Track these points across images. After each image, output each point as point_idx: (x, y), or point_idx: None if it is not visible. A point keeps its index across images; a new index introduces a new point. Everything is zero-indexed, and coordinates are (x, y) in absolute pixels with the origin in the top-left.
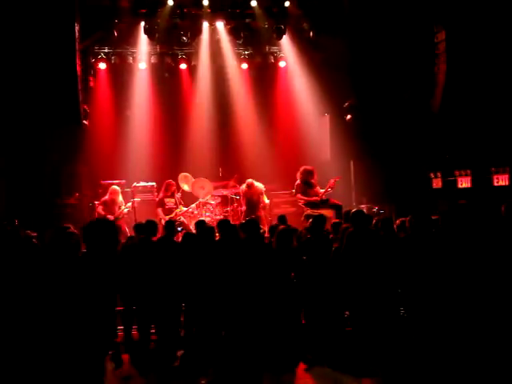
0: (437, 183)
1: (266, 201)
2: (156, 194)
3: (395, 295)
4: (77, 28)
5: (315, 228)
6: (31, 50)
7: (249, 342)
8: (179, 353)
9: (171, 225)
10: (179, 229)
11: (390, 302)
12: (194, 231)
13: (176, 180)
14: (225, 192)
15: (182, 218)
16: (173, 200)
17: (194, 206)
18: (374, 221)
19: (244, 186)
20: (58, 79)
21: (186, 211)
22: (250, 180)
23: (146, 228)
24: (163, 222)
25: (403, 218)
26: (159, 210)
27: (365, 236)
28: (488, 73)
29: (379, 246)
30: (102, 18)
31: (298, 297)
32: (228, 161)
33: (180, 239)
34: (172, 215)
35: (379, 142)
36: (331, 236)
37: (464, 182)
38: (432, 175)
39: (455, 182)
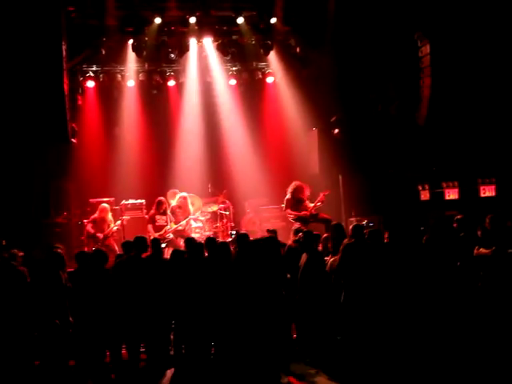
0: (425, 195)
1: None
2: (145, 211)
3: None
4: (64, 47)
5: (306, 243)
6: (19, 69)
7: (238, 360)
8: (169, 371)
9: (157, 242)
10: (163, 245)
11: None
12: (182, 248)
13: (165, 196)
14: (214, 208)
15: (171, 236)
16: (164, 217)
17: (184, 222)
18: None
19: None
20: (46, 98)
21: (176, 228)
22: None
23: (134, 245)
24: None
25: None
26: (149, 227)
27: (360, 248)
28: (472, 86)
29: (372, 257)
30: (89, 37)
31: (287, 311)
32: (217, 176)
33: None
34: (161, 232)
35: (367, 156)
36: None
37: (451, 194)
38: (420, 187)
39: (443, 194)
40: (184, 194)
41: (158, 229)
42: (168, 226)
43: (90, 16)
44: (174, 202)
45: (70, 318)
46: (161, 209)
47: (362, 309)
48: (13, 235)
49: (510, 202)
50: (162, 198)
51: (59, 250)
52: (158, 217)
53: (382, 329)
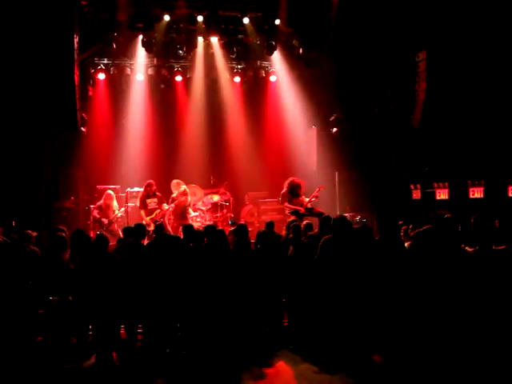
0: (416, 194)
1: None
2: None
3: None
4: (76, 39)
5: (294, 235)
6: (32, 59)
7: (232, 339)
8: (165, 350)
9: (159, 229)
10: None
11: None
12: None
13: (169, 186)
14: (215, 199)
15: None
16: (155, 200)
17: (172, 205)
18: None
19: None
20: (57, 87)
21: (165, 211)
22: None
23: (134, 231)
24: (145, 222)
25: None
26: (142, 213)
27: (343, 242)
28: (466, 91)
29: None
30: (101, 31)
31: (281, 296)
32: (219, 169)
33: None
34: (153, 216)
35: (363, 155)
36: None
37: (442, 194)
38: (412, 187)
39: (433, 194)
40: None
41: (149, 212)
42: (158, 210)
43: (102, 10)
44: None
45: (70, 297)
46: (150, 191)
47: (337, 299)
48: (23, 217)
49: (497, 204)
50: (151, 180)
51: (62, 233)
52: (148, 200)
53: (355, 318)
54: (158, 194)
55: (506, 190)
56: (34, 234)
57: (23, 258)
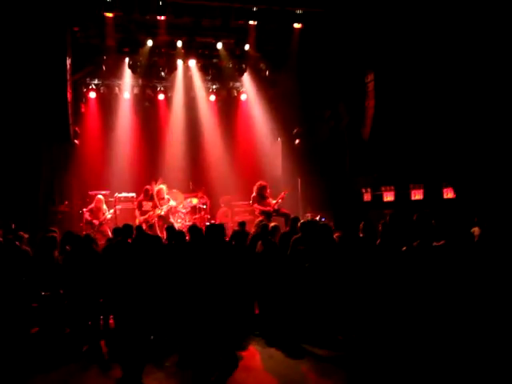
0: (367, 197)
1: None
2: (136, 203)
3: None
4: (68, 61)
5: (262, 233)
6: (29, 79)
7: (209, 328)
8: (150, 339)
9: (141, 229)
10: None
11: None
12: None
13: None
14: (194, 202)
15: (154, 220)
16: (150, 203)
17: (164, 207)
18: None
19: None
20: (52, 104)
21: (158, 214)
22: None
23: (122, 231)
24: (138, 221)
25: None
26: (137, 212)
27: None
28: (408, 107)
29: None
30: (91, 55)
31: (253, 288)
32: (197, 176)
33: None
34: (146, 216)
35: (321, 162)
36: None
37: (389, 196)
38: (363, 190)
39: (382, 196)
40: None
41: (143, 213)
42: (151, 212)
43: (93, 36)
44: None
45: (61, 291)
46: (147, 196)
47: (305, 289)
48: (22, 220)
49: (434, 205)
50: (148, 186)
51: (53, 234)
52: (144, 203)
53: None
54: (155, 198)
55: (441, 193)
56: (26, 235)
57: (16, 257)
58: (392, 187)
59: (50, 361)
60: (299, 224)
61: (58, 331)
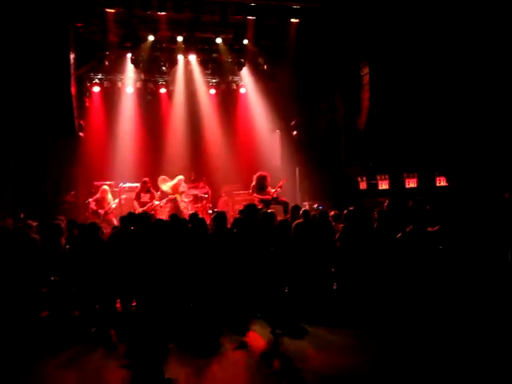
0: (363, 185)
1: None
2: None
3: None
4: (72, 56)
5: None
6: (34, 73)
7: (213, 308)
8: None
9: (131, 218)
10: None
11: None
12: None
13: (156, 181)
14: (195, 191)
15: (153, 211)
16: (148, 195)
17: (164, 201)
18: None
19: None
20: (56, 98)
21: (158, 205)
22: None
23: (126, 219)
24: (137, 211)
25: (335, 211)
26: (135, 203)
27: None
28: (402, 99)
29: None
30: (95, 50)
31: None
32: (199, 166)
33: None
34: (145, 208)
35: (319, 153)
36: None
37: (383, 185)
38: (359, 179)
39: (376, 185)
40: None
41: (142, 204)
42: (150, 203)
43: (95, 32)
44: (164, 187)
45: (68, 277)
46: (145, 188)
47: (307, 269)
48: (31, 210)
49: (427, 192)
50: (146, 178)
51: (60, 222)
52: (142, 194)
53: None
54: (152, 191)
55: (434, 181)
56: (35, 224)
57: (25, 244)
58: (387, 176)
59: (58, 342)
60: (301, 211)
61: (66, 314)
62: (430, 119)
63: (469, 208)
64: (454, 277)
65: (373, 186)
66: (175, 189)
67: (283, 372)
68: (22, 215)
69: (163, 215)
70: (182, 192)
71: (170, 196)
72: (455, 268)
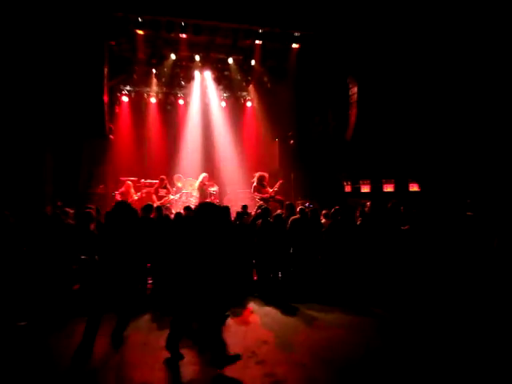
0: (347, 188)
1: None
2: (153, 189)
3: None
4: (105, 70)
5: (262, 214)
6: (73, 85)
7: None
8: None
9: (160, 208)
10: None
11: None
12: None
13: (172, 178)
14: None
15: (169, 204)
16: (164, 190)
17: (177, 196)
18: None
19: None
20: (91, 105)
21: (173, 199)
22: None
23: (144, 210)
24: (155, 205)
25: (326, 210)
26: (153, 197)
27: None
28: (383, 116)
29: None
30: (125, 65)
31: (252, 256)
32: (209, 167)
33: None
34: (162, 201)
35: (311, 159)
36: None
37: (365, 188)
38: (344, 183)
39: (359, 188)
40: (190, 178)
41: (159, 198)
42: (166, 197)
43: (126, 50)
44: (179, 184)
45: (96, 257)
46: (162, 184)
47: (300, 257)
48: (67, 199)
49: (402, 196)
50: (163, 176)
51: (90, 210)
52: (160, 189)
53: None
54: (168, 187)
55: (407, 186)
56: (72, 210)
57: (60, 228)
58: (368, 181)
59: (86, 310)
60: (298, 209)
61: (93, 288)
62: (406, 134)
63: (436, 209)
64: (422, 268)
65: (356, 189)
66: (199, 186)
67: (274, 341)
68: (59, 203)
69: (178, 208)
70: (207, 186)
71: (184, 191)
72: (424, 259)
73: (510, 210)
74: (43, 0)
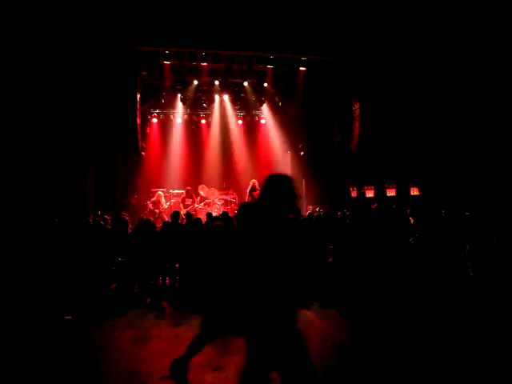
0: (353, 194)
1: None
2: (180, 199)
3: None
4: (138, 96)
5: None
6: (111, 109)
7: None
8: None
9: (189, 215)
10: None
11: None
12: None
13: (196, 188)
14: (226, 197)
15: (194, 211)
16: (190, 199)
17: (201, 205)
18: (316, 214)
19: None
20: (126, 126)
21: (198, 207)
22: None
23: (173, 216)
24: (182, 212)
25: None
26: (181, 205)
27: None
28: (384, 128)
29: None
30: (154, 92)
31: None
32: (229, 178)
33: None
34: (188, 209)
35: (320, 169)
36: None
37: (369, 193)
38: (351, 189)
39: (364, 193)
40: (212, 188)
41: (186, 206)
42: (191, 206)
43: (155, 79)
44: (202, 193)
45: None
46: (188, 194)
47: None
48: (105, 208)
49: (404, 200)
50: (189, 187)
51: (126, 217)
52: (186, 199)
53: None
54: (193, 196)
55: (408, 191)
56: (109, 217)
57: (101, 233)
58: (372, 186)
59: (122, 307)
60: (307, 213)
61: (129, 287)
62: (405, 143)
63: (435, 211)
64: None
65: (361, 195)
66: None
67: None
68: (99, 212)
69: (201, 215)
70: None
71: (207, 200)
72: (425, 259)
73: (507, 211)
74: (91, 40)
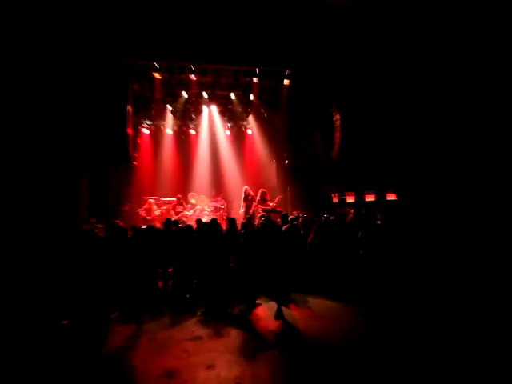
0: (335, 199)
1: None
2: (171, 206)
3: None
4: (129, 108)
5: (266, 224)
6: (103, 121)
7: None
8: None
9: (177, 222)
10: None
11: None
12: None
13: (186, 196)
14: (215, 204)
15: (185, 218)
16: (181, 206)
17: (191, 212)
18: (301, 219)
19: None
20: (117, 137)
21: (186, 214)
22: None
23: (166, 224)
24: (173, 219)
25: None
26: (172, 212)
27: (293, 230)
28: (363, 138)
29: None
30: (145, 103)
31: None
32: (217, 185)
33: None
34: (179, 216)
35: (303, 176)
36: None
37: (350, 199)
38: (332, 195)
39: (345, 199)
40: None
41: (177, 213)
42: (182, 213)
43: (146, 91)
44: (193, 201)
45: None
46: (179, 201)
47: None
48: (102, 216)
49: (381, 204)
50: (179, 195)
51: (120, 224)
52: (177, 206)
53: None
54: (183, 204)
55: (385, 196)
56: (101, 225)
57: (93, 241)
58: (353, 193)
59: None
60: (289, 218)
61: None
62: (383, 152)
63: (410, 215)
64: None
65: (342, 200)
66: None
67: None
68: (93, 220)
69: (191, 221)
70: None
71: (197, 207)
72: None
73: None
74: (84, 54)
